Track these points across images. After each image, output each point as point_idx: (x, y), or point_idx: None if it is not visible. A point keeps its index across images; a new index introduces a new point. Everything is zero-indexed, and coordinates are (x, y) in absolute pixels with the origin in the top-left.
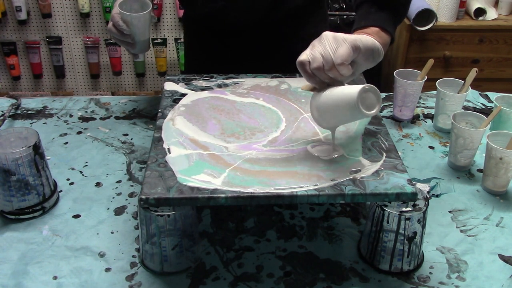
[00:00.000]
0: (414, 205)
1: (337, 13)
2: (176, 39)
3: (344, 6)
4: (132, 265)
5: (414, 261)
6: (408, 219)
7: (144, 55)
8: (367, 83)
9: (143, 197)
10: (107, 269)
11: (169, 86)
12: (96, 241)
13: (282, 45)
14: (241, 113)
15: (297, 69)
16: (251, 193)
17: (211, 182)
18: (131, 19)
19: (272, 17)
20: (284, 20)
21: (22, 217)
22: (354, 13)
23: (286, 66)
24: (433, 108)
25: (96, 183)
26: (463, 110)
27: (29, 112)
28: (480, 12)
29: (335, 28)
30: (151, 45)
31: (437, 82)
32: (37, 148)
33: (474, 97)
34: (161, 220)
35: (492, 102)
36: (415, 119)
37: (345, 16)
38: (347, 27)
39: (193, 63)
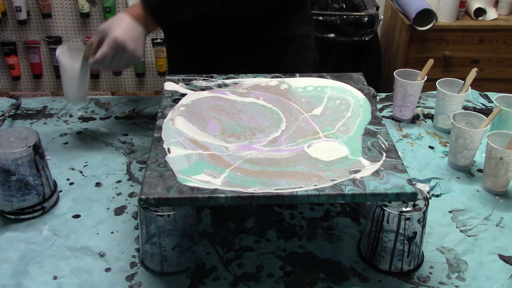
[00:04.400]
0: (414, 205)
1: (337, 13)
2: None
3: (344, 6)
4: (132, 265)
5: (414, 261)
6: (408, 219)
7: (144, 55)
8: (367, 84)
9: (143, 197)
10: (107, 269)
11: (169, 86)
12: (96, 241)
13: (264, 46)
14: (242, 113)
15: (284, 70)
16: (251, 193)
17: (211, 182)
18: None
19: (251, 15)
20: (264, 19)
21: (22, 217)
22: (353, 13)
23: (270, 68)
24: (433, 108)
25: (96, 183)
26: (463, 110)
27: (29, 112)
28: (480, 12)
29: (335, 28)
30: (151, 45)
31: (437, 82)
32: (37, 148)
33: (474, 97)
34: (161, 220)
35: (492, 102)
36: (415, 119)
37: (345, 16)
38: (347, 27)
39: (175, 66)
